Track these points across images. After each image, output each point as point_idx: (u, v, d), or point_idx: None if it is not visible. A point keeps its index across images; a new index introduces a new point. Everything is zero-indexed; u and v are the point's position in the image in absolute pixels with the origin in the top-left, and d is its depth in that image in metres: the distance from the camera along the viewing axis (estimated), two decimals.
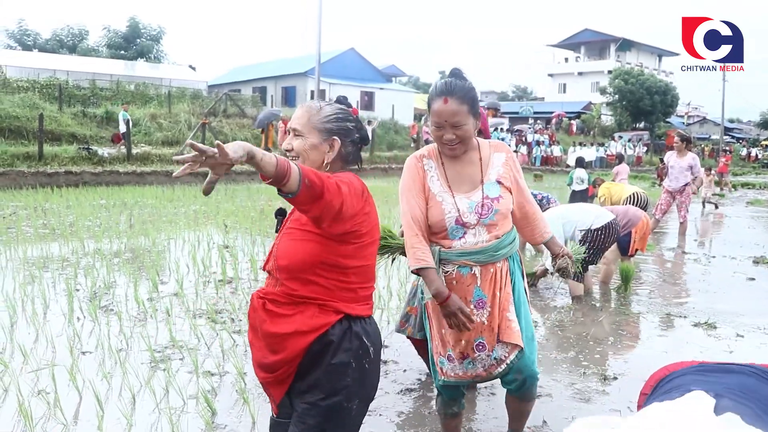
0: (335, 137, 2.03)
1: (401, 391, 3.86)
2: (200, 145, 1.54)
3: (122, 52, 47.62)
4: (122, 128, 21.51)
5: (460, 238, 2.63)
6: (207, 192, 1.61)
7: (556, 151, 35.36)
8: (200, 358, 4.21)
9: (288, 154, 2.01)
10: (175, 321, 5.05)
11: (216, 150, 1.54)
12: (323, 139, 2.02)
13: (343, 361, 1.93)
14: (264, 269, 2.07)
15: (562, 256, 2.90)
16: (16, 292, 5.67)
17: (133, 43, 48.70)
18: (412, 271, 2.67)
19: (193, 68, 45.42)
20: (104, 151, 19.24)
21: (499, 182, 2.66)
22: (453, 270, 2.64)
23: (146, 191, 15.03)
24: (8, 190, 14.35)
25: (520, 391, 2.80)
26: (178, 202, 13.13)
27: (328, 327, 1.92)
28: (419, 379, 4.06)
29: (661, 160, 10.44)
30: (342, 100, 2.19)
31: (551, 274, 6.57)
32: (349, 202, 1.85)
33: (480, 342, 2.65)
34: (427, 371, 4.16)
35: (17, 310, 5.16)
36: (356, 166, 2.16)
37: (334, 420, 1.93)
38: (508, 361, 2.66)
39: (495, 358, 2.67)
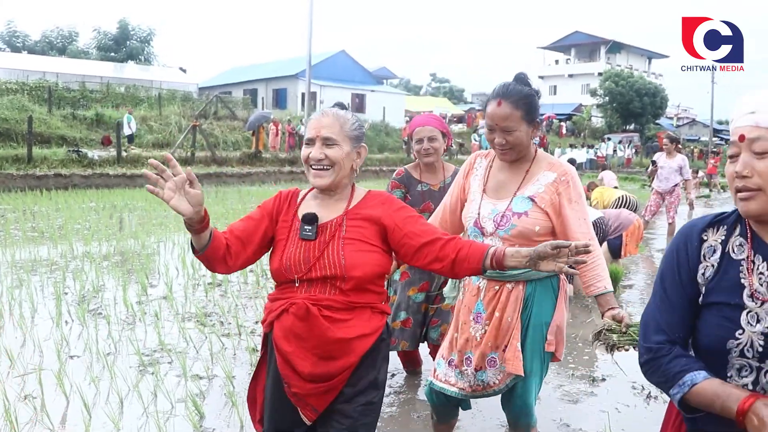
0: (363, 145, 2.10)
1: (388, 393, 3.86)
2: None
3: (112, 54, 47.50)
4: (126, 131, 21.98)
5: None
6: None
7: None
8: (189, 362, 4.20)
9: (318, 164, 2.00)
10: (164, 324, 5.04)
11: None
12: (353, 147, 2.05)
13: (387, 358, 2.10)
14: (301, 277, 1.97)
15: (609, 316, 2.31)
16: (3, 296, 5.64)
17: (123, 45, 48.57)
18: None
19: (184, 70, 45.36)
20: (94, 153, 19.16)
21: (531, 199, 2.47)
22: (467, 277, 2.61)
23: (136, 194, 14.97)
24: None
25: (511, 414, 2.68)
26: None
27: (383, 328, 2.05)
28: (407, 383, 4.06)
29: (653, 162, 10.57)
30: (343, 105, 2.19)
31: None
32: None
33: (468, 356, 2.59)
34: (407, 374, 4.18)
35: (4, 314, 5.13)
36: None
37: (379, 411, 2.09)
38: (497, 388, 2.57)
39: (481, 380, 2.57)
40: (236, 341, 4.71)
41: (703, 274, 1.48)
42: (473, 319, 2.57)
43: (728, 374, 1.43)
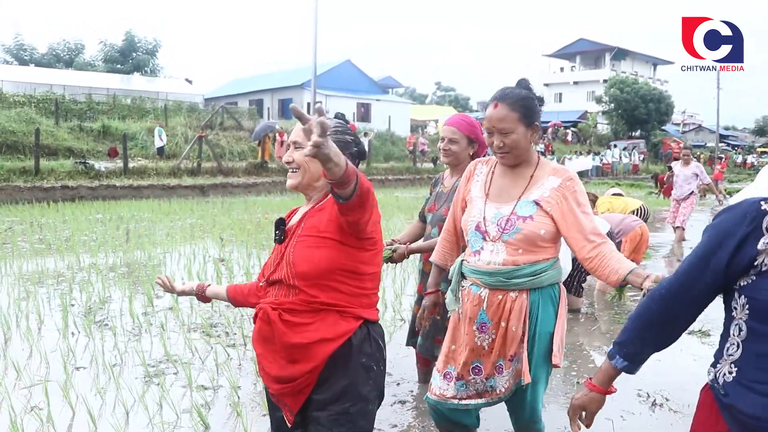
0: None
1: (394, 402, 3.86)
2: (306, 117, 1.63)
3: (118, 65, 47.79)
4: (158, 143, 22.49)
5: (477, 252, 2.54)
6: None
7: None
8: (194, 372, 4.21)
9: (288, 166, 2.08)
10: (170, 335, 5.05)
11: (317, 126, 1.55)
12: None
13: (366, 366, 1.99)
14: (267, 279, 2.08)
15: (645, 284, 2.22)
16: (10, 308, 5.67)
17: (129, 57, 48.89)
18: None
19: (190, 81, 45.59)
20: (101, 165, 19.26)
21: (537, 203, 2.46)
22: (467, 286, 2.61)
23: (143, 205, 15.04)
24: (4, 205, 14.35)
25: (521, 422, 2.71)
26: (175, 215, 13.13)
27: (351, 333, 1.97)
28: (412, 391, 4.06)
29: (669, 168, 11.22)
30: (340, 116, 2.22)
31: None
32: (377, 209, 1.99)
33: (477, 366, 2.58)
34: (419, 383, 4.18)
35: (11, 326, 5.16)
36: None
37: (361, 423, 1.99)
38: (503, 395, 2.59)
39: (491, 386, 2.60)
40: (241, 352, 4.72)
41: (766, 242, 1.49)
42: (477, 329, 2.55)
43: None
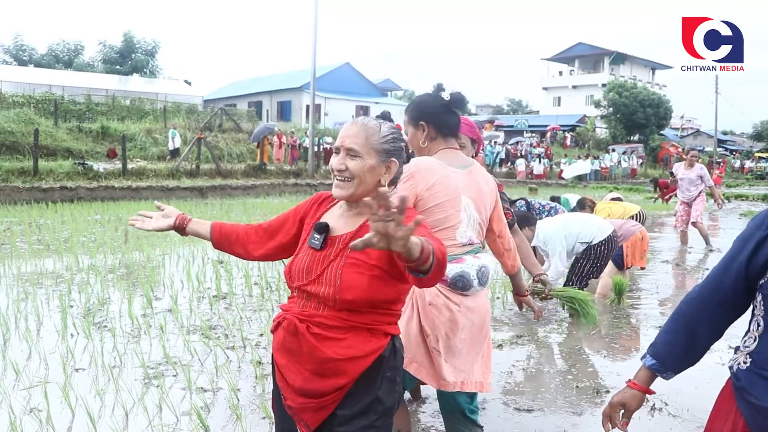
0: (393, 158, 1.92)
1: None
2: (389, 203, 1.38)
3: (117, 67, 47.86)
4: (171, 146, 22.61)
5: None
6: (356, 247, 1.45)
7: (538, 168, 32.85)
8: (194, 375, 4.21)
9: (339, 174, 1.89)
10: (169, 337, 5.05)
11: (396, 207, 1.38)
12: (381, 160, 1.90)
13: (392, 380, 1.92)
14: (298, 287, 1.93)
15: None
16: (9, 309, 5.66)
17: (128, 58, 48.97)
18: None
19: (189, 83, 45.68)
20: (99, 166, 19.26)
21: None
22: None
23: (141, 206, 15.01)
24: (3, 206, 14.34)
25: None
26: None
27: (381, 350, 1.89)
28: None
29: (672, 173, 11.37)
30: (386, 116, 2.10)
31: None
32: None
33: None
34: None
35: (10, 327, 5.15)
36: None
37: None
38: None
39: None
40: (241, 354, 4.72)
41: None
42: None
43: None
